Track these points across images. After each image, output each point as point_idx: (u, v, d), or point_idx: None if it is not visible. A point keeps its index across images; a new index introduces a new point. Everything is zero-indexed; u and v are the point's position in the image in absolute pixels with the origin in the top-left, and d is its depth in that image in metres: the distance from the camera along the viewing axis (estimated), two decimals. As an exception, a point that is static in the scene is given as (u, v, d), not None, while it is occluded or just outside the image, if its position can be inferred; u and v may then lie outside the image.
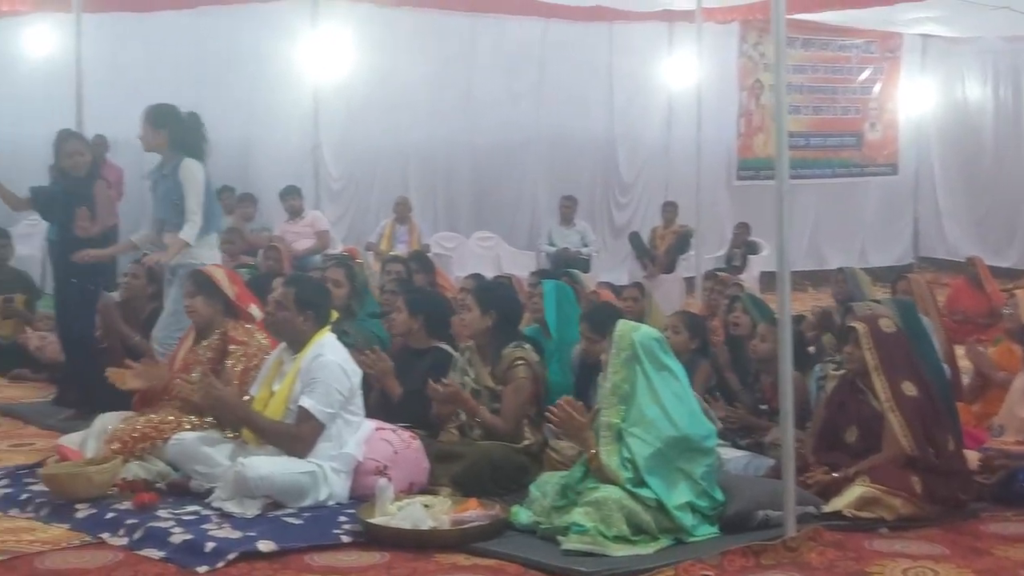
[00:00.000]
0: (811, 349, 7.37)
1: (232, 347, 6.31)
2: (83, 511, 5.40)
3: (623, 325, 5.41)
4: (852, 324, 5.87)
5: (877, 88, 17.58)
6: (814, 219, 17.04)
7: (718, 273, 10.47)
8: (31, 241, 13.11)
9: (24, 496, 5.68)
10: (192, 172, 7.20)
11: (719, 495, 5.19)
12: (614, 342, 5.31)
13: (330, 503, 5.53)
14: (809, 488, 5.41)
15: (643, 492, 5.00)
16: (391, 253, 11.73)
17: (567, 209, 14.68)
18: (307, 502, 5.48)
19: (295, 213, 12.97)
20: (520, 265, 13.53)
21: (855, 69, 17.43)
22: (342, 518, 5.32)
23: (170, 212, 7.26)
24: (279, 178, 13.50)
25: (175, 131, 7.30)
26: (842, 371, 6.01)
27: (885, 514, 5.29)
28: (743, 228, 14.84)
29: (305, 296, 5.81)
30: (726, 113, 16.32)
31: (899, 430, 5.50)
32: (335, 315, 6.02)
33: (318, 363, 5.62)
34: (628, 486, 5.00)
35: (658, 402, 5.17)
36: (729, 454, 5.95)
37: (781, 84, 5.13)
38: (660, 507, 5.00)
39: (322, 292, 6.12)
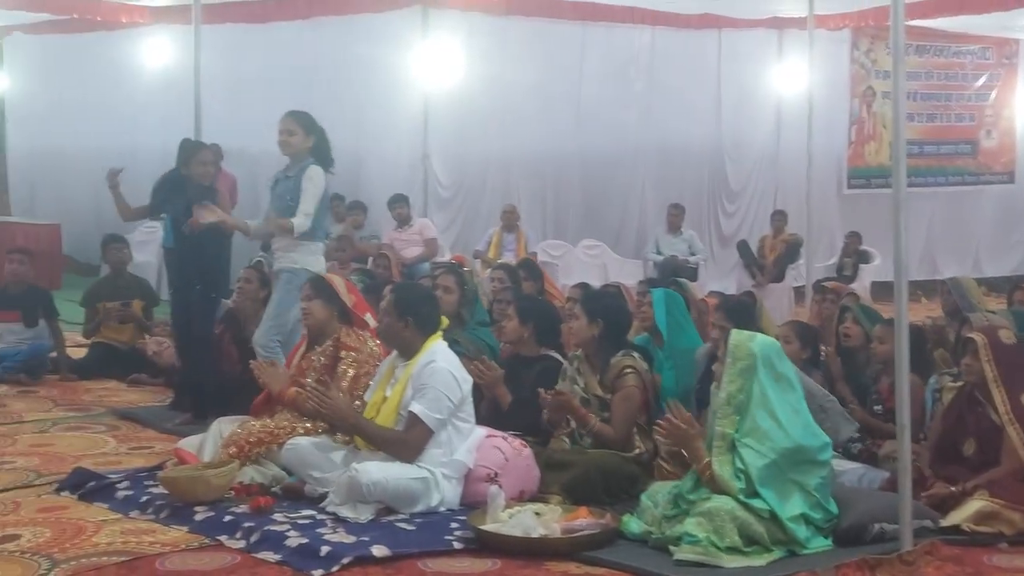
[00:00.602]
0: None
1: (344, 353, 6.39)
2: (201, 514, 5.50)
3: (739, 335, 5.37)
4: (971, 336, 5.77)
5: (993, 95, 17.27)
6: (927, 228, 16.77)
7: (828, 282, 10.34)
8: (147, 248, 13.47)
9: (144, 498, 5.79)
10: (316, 177, 7.33)
11: (833, 507, 5.13)
12: (730, 351, 5.27)
13: (441, 509, 5.57)
14: (926, 502, 5.32)
15: (756, 503, 4.96)
16: (498, 261, 11.78)
17: (674, 217, 14.62)
18: (419, 508, 5.52)
19: (403, 221, 13.09)
20: (627, 273, 13.51)
21: (970, 76, 17.13)
22: (453, 524, 5.35)
23: (283, 211, 7.38)
24: (388, 187, 13.63)
25: (319, 139, 7.45)
26: (960, 383, 5.90)
27: (1005, 529, 5.19)
28: (854, 237, 14.66)
29: (406, 302, 5.85)
30: (837, 121, 16.15)
31: (1019, 443, 5.40)
32: (445, 322, 6.06)
33: (429, 369, 5.67)
34: (741, 497, 4.97)
35: (773, 413, 5.12)
36: (843, 466, 5.87)
37: (900, 91, 5.08)
38: (773, 518, 4.96)
39: (426, 298, 6.12)
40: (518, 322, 6.78)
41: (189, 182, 7.90)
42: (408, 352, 5.83)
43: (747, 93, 16.03)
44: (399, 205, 13.09)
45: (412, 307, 5.86)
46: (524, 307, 6.90)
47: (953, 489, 5.41)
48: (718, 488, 5.03)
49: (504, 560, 4.92)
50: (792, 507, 5.01)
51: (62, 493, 6.02)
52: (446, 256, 12.43)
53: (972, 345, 5.68)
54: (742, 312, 6.56)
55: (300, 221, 7.24)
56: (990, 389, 5.55)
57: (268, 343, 7.29)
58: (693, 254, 14.40)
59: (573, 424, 6.15)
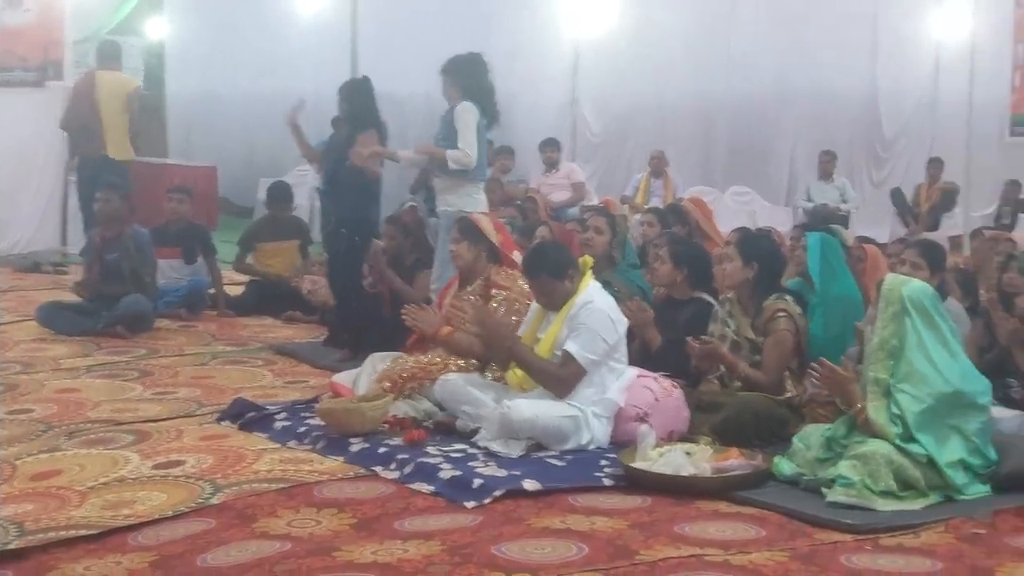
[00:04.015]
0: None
1: (495, 292, 6.44)
2: (356, 445, 5.61)
3: (892, 279, 5.28)
4: None
5: None
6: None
7: (987, 230, 10.08)
8: (299, 191, 13.71)
9: (301, 429, 5.93)
10: (466, 113, 7.40)
11: (992, 454, 5.03)
12: (882, 296, 5.18)
13: (591, 447, 5.59)
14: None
15: (913, 448, 4.88)
16: (645, 207, 11.74)
17: (826, 164, 14.39)
18: (569, 445, 5.56)
19: (551, 165, 13.11)
20: (776, 221, 13.35)
21: None
22: (603, 462, 5.38)
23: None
24: (537, 131, 13.66)
25: (469, 80, 7.52)
26: None
27: None
28: (1014, 186, 14.25)
29: (555, 271, 5.78)
30: (999, 67, 15.63)
31: None
32: (590, 261, 6.05)
33: (587, 310, 5.67)
34: (897, 441, 4.90)
35: (928, 357, 5.02)
36: (1002, 414, 5.74)
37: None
38: (930, 463, 4.87)
39: (563, 254, 5.98)
40: (672, 265, 6.76)
41: (342, 122, 8.01)
42: (564, 303, 5.81)
43: (904, 38, 15.65)
44: (550, 149, 13.11)
45: (562, 264, 5.82)
46: (677, 251, 6.87)
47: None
48: (873, 433, 4.96)
49: (654, 498, 4.92)
50: (950, 452, 4.92)
51: (222, 423, 6.21)
52: (594, 200, 12.43)
53: None
54: (937, 252, 6.56)
55: (457, 154, 7.30)
56: None
57: (438, 288, 7.37)
58: (845, 202, 14.16)
59: (723, 368, 6.13)
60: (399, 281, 7.94)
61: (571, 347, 5.61)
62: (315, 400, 6.45)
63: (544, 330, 5.84)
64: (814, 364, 5.30)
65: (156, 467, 5.35)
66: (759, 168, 15.53)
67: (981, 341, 6.68)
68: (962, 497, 4.88)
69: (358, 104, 7.97)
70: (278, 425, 6.06)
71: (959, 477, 4.91)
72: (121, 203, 9.12)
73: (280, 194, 10.62)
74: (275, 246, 10.28)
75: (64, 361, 7.82)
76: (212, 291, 9.94)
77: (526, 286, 6.39)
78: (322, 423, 5.91)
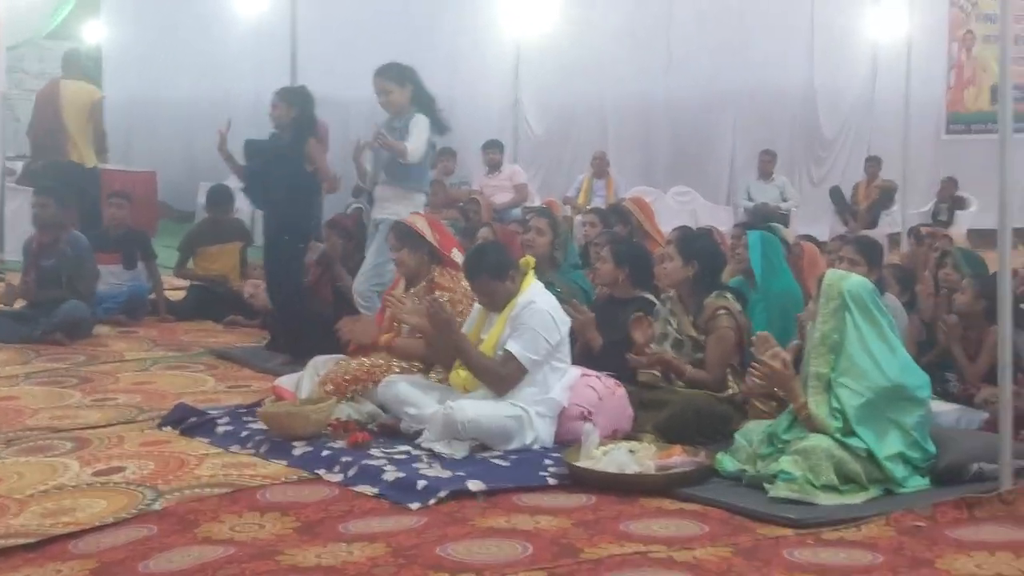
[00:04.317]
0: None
1: (438, 293, 6.42)
2: (300, 449, 5.58)
3: (832, 274, 5.33)
4: None
5: (1096, 37, 16.78)
6: (1014, 176, 16.35)
7: (924, 227, 10.21)
8: (239, 195, 13.58)
9: (244, 434, 5.89)
10: (422, 123, 7.40)
11: (931, 447, 5.08)
12: (823, 291, 5.23)
13: (535, 447, 5.60)
14: (1025, 441, 5.27)
15: (853, 442, 4.93)
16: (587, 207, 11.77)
17: (766, 163, 14.51)
18: (513, 445, 5.56)
19: (494, 167, 13.11)
20: (717, 220, 13.44)
21: (1074, 17, 16.67)
22: (548, 461, 5.38)
23: (389, 163, 7.44)
24: (479, 133, 13.65)
25: (416, 88, 7.49)
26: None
27: (1110, 470, 5.11)
28: (950, 183, 14.45)
29: (495, 270, 5.81)
30: (935, 66, 15.85)
31: None
32: (531, 261, 6.06)
33: (529, 310, 5.69)
34: (837, 436, 4.94)
35: (868, 352, 5.07)
36: (940, 408, 5.82)
37: (1007, 34, 4.98)
38: (870, 457, 4.92)
39: (502, 256, 6.01)
40: (613, 265, 6.79)
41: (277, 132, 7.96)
42: (505, 305, 5.83)
43: (841, 38, 15.81)
44: (492, 150, 13.11)
45: (503, 271, 5.84)
46: (619, 250, 6.90)
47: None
48: (814, 427, 5.01)
49: (598, 496, 4.93)
50: (889, 446, 4.97)
51: (164, 428, 6.15)
52: (536, 202, 12.45)
53: None
54: (875, 249, 6.68)
55: (412, 147, 7.29)
56: None
57: (367, 292, 7.38)
58: (785, 200, 14.28)
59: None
60: (345, 279, 7.93)
61: (513, 347, 5.61)
62: (257, 404, 6.40)
63: (487, 331, 5.84)
64: (754, 362, 5.33)
65: (96, 474, 5.28)
66: (700, 168, 15.63)
67: (918, 336, 6.78)
68: (902, 490, 4.93)
69: (307, 110, 7.94)
70: (220, 430, 6.01)
71: (899, 470, 4.96)
72: (58, 209, 9.02)
73: (220, 197, 10.56)
74: (217, 249, 10.23)
75: (2, 368, 7.72)
76: (152, 296, 9.87)
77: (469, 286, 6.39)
78: (265, 427, 5.87)
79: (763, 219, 11.89)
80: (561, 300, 6.38)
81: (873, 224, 14.01)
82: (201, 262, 10.22)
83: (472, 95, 14.26)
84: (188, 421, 6.14)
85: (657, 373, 6.14)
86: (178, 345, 8.69)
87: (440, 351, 5.95)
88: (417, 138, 7.36)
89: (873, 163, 14.62)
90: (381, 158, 7.54)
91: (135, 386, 7.25)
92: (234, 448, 5.74)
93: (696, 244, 6.48)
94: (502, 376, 5.65)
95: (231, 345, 8.70)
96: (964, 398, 6.19)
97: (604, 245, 7.16)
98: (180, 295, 10.21)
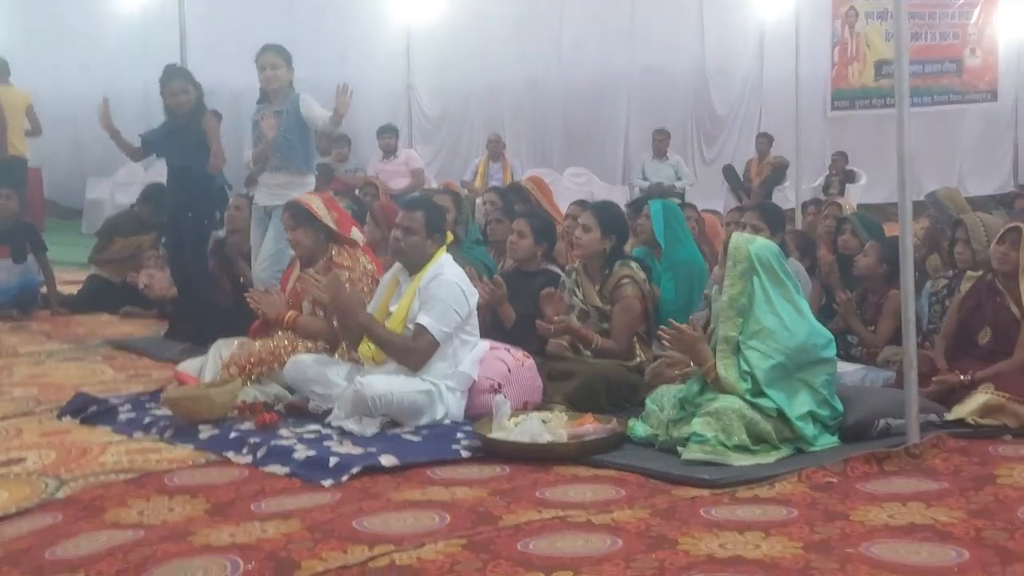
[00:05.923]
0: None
1: (337, 272, 6.34)
2: (206, 432, 5.48)
3: (738, 237, 5.35)
4: (1014, 225, 5.74)
5: (976, 12, 17.20)
6: (911, 148, 16.70)
7: (817, 202, 10.35)
8: (131, 189, 13.35)
9: (147, 420, 5.77)
10: (313, 103, 7.37)
11: (839, 405, 5.14)
12: (729, 255, 5.25)
13: (446, 422, 5.57)
14: (932, 394, 5.35)
15: (763, 402, 4.97)
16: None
17: (660, 143, 14.59)
18: (424, 420, 5.52)
19: (389, 152, 13.02)
20: (613, 200, 13.42)
21: (953, -7, 17.08)
22: (459, 435, 5.35)
23: (286, 148, 7.36)
24: (372, 118, 13.56)
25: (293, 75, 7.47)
26: (980, 273, 5.91)
27: (1009, 421, 5.22)
28: (840, 157, 14.69)
29: (434, 219, 5.83)
30: (819, 43, 16.11)
31: (1035, 335, 5.40)
32: (451, 237, 6.02)
33: (437, 282, 5.65)
34: (748, 397, 4.98)
35: (776, 313, 5.11)
36: (845, 367, 5.89)
37: (901, 11, 5.05)
38: (781, 417, 4.96)
39: (443, 214, 6.12)
40: (532, 240, 6.73)
41: (169, 113, 7.81)
42: (417, 267, 5.79)
43: (730, 18, 15.98)
44: (387, 135, 13.02)
45: (439, 224, 5.84)
46: (538, 226, 6.85)
47: (962, 377, 5.43)
48: (724, 391, 5.03)
49: (512, 466, 4.91)
50: (799, 405, 5.02)
51: (64, 418, 6.00)
52: (433, 185, 12.39)
53: (1012, 235, 5.65)
54: (777, 213, 6.82)
55: (326, 115, 7.24)
56: (1019, 280, 5.56)
57: (268, 278, 7.25)
58: (679, 179, 14.39)
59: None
60: (247, 271, 7.82)
61: (424, 320, 5.56)
62: (160, 391, 6.27)
63: (395, 303, 5.78)
64: (663, 326, 5.34)
65: (-4, 465, 5.14)
66: (594, 149, 15.71)
67: (820, 299, 6.87)
68: (812, 448, 4.99)
69: (201, 92, 7.81)
70: (123, 417, 5.89)
71: (809, 429, 5.01)
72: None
73: (156, 197, 10.27)
74: (136, 239, 9.95)
75: None
76: (44, 290, 9.62)
77: (369, 265, 6.34)
78: (169, 413, 5.76)
79: (658, 198, 11.99)
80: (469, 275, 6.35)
81: (767, 200, 14.16)
82: (118, 250, 9.94)
83: (363, 81, 14.05)
84: (88, 410, 6.00)
85: (565, 344, 6.13)
86: (73, 337, 8.49)
87: (348, 330, 5.87)
88: (318, 108, 7.31)
89: (764, 140, 14.80)
90: (280, 142, 7.43)
91: (31, 379, 7.08)
92: (138, 434, 5.62)
93: (614, 216, 6.48)
94: (414, 350, 5.60)
95: (129, 336, 8.51)
96: (867, 358, 6.28)
97: (500, 220, 7.13)
98: (74, 289, 9.96)
